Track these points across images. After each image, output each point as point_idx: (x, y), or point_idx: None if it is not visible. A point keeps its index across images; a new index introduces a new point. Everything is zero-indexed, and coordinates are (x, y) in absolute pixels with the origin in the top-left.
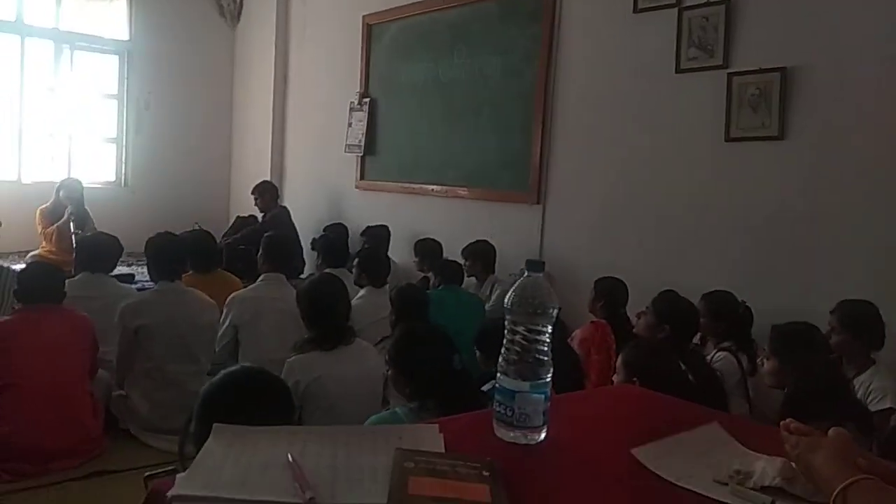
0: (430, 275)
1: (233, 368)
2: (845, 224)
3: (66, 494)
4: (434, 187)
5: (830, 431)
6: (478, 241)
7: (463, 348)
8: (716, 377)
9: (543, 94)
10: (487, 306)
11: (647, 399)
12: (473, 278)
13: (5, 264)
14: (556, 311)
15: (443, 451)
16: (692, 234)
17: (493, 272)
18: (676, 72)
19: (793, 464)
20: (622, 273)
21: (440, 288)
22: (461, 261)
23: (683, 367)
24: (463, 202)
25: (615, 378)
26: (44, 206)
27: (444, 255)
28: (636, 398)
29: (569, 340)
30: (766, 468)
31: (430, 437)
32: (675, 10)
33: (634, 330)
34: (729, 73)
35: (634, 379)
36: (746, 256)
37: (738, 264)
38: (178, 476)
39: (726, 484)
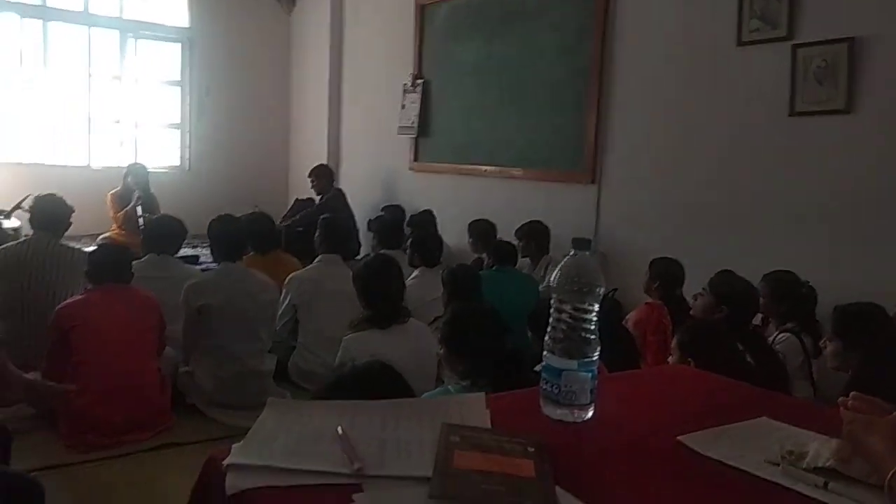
0: (483, 255)
1: (360, 364)
2: None
3: (137, 465)
4: (488, 168)
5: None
6: (531, 222)
7: (516, 329)
8: (777, 359)
9: (599, 70)
10: (541, 287)
11: (701, 380)
12: (527, 259)
13: (77, 246)
14: (602, 290)
15: (489, 426)
16: (753, 213)
17: (548, 253)
18: (738, 45)
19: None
20: (680, 253)
21: (493, 269)
22: (515, 241)
23: (742, 348)
24: (517, 182)
25: (670, 359)
26: (114, 190)
27: (498, 235)
28: (690, 379)
29: (624, 322)
30: (819, 449)
31: (476, 411)
32: None
33: (691, 312)
34: (793, 45)
35: (689, 360)
36: (811, 235)
37: (803, 243)
38: (233, 445)
39: (778, 464)
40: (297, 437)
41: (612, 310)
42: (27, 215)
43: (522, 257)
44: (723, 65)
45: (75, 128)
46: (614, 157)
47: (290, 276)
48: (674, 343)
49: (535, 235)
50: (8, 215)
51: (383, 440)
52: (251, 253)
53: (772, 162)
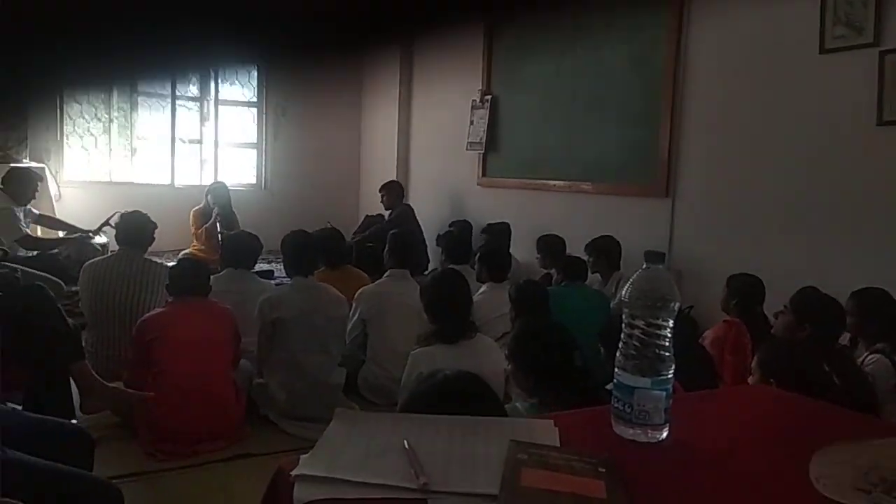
0: (552, 271)
1: (448, 373)
2: None
3: (212, 475)
4: (557, 182)
5: None
6: (602, 237)
7: (586, 346)
8: (865, 380)
9: (672, 81)
10: (612, 303)
11: (784, 400)
12: (598, 275)
13: (160, 261)
14: (677, 305)
15: (558, 445)
16: (839, 227)
17: (619, 269)
18: (821, 52)
19: None
20: (760, 269)
21: (562, 284)
22: (585, 257)
23: (828, 369)
24: (587, 197)
25: (750, 380)
26: (196, 208)
27: (568, 251)
28: (772, 398)
29: (700, 340)
30: None
31: (544, 431)
32: None
33: (773, 330)
34: (881, 52)
35: (771, 380)
36: None
37: (892, 259)
38: (302, 456)
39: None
40: (364, 449)
41: (688, 328)
42: (114, 231)
43: (592, 273)
44: (804, 73)
45: (160, 148)
46: (689, 169)
47: (360, 290)
48: (754, 363)
49: (606, 251)
50: (97, 232)
51: (449, 455)
52: (322, 268)
53: (858, 173)
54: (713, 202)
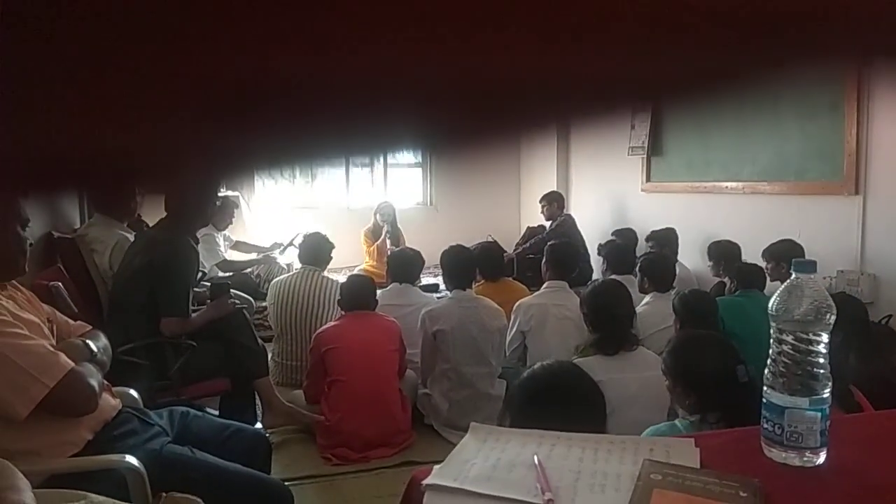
0: (725, 280)
1: (545, 363)
2: None
3: (381, 481)
4: (728, 184)
5: None
6: (782, 241)
7: (761, 360)
8: None
9: (857, 67)
10: None
11: None
12: (777, 282)
13: (336, 278)
14: (833, 317)
15: (697, 466)
16: None
17: None
18: None
19: None
20: None
21: (737, 294)
22: (762, 264)
23: None
24: (762, 198)
25: None
26: (367, 227)
27: (743, 257)
28: None
29: None
30: None
31: (683, 451)
32: None
33: None
34: None
35: None
36: None
37: None
38: (434, 467)
39: None
40: (493, 462)
41: (885, 341)
42: (297, 251)
43: (772, 281)
44: None
45: (335, 173)
46: (882, 162)
47: (518, 302)
48: None
49: (787, 256)
50: (283, 251)
51: (579, 472)
52: (482, 281)
53: None
54: None
